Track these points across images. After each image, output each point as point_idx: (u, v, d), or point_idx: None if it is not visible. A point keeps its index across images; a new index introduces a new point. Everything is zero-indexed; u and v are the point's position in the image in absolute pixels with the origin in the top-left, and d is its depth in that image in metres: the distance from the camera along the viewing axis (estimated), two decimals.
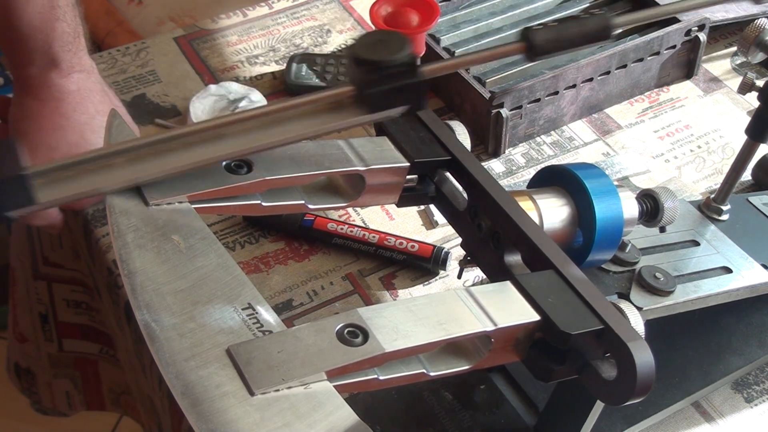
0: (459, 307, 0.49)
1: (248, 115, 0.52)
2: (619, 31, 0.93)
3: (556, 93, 0.87)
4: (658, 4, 0.94)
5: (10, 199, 0.47)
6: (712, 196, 0.73)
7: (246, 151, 0.53)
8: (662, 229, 0.64)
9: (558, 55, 0.55)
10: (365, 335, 0.45)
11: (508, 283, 0.51)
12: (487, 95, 0.84)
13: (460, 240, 0.62)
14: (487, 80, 0.87)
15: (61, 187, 0.49)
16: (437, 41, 0.91)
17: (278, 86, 0.95)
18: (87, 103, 0.73)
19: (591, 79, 0.89)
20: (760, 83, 0.68)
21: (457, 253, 0.77)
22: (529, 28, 0.53)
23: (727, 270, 0.66)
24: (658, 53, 0.92)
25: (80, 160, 0.49)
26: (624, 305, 0.52)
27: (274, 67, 0.97)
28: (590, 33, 0.54)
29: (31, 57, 0.71)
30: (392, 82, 0.51)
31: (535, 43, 0.53)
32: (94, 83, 0.74)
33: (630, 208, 0.60)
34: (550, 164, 0.71)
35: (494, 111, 0.84)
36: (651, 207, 0.62)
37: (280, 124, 0.52)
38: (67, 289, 0.97)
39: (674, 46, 0.93)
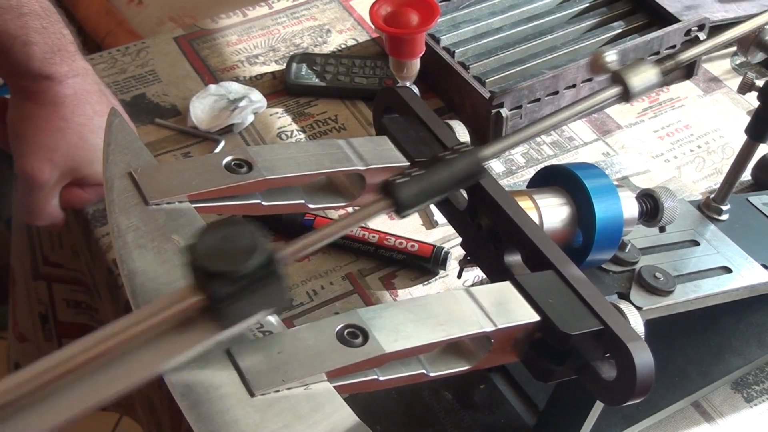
0: (459, 308, 0.49)
1: (76, 362, 0.39)
2: (619, 31, 0.94)
3: (556, 93, 0.87)
4: (658, 4, 0.94)
5: None
6: (712, 196, 0.73)
7: (73, 419, 0.41)
8: (662, 229, 0.64)
9: (429, 204, 0.49)
10: (365, 336, 0.45)
11: (507, 284, 0.51)
12: (487, 95, 0.84)
13: (460, 240, 0.62)
14: (487, 80, 0.87)
15: None
16: (437, 41, 0.91)
17: (278, 86, 0.95)
18: (84, 105, 0.73)
19: (591, 79, 0.89)
20: (759, 83, 0.68)
21: (457, 253, 0.77)
22: (392, 182, 0.47)
23: (727, 270, 0.66)
24: (657, 53, 0.92)
25: None
26: (624, 305, 0.52)
27: (274, 67, 0.97)
28: (462, 175, 0.49)
29: (22, 75, 0.70)
30: (250, 290, 0.40)
31: (400, 200, 0.47)
32: (91, 84, 0.74)
33: (630, 207, 0.60)
34: (550, 164, 0.71)
35: (494, 111, 0.84)
36: (651, 207, 0.62)
37: (116, 363, 0.41)
38: (67, 288, 0.97)
39: (674, 46, 0.93)
